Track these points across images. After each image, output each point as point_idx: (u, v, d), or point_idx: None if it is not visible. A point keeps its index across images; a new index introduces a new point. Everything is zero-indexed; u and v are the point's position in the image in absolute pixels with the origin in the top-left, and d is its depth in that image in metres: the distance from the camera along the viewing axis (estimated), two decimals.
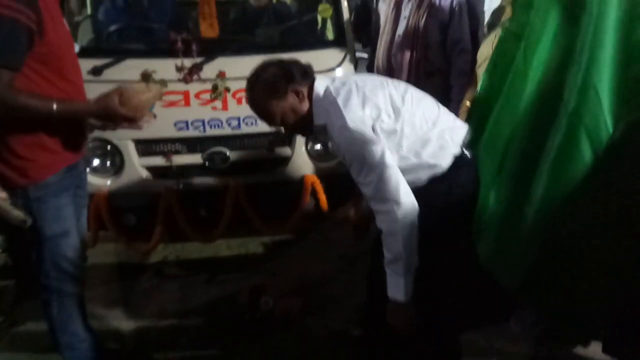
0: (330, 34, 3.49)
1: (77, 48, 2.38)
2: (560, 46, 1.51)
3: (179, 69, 2.82)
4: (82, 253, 2.20)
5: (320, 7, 3.26)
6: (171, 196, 2.86)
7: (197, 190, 2.97)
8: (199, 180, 2.99)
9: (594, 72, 1.34)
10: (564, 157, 1.41)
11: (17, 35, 1.74)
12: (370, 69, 3.70)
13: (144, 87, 2.05)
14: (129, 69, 2.78)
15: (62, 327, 2.20)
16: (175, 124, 2.87)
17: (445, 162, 1.96)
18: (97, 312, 2.81)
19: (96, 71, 2.77)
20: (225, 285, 3.23)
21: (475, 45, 3.13)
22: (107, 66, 2.80)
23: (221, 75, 2.85)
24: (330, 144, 2.12)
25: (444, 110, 2.13)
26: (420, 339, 2.11)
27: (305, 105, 1.99)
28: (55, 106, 1.82)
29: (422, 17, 3.19)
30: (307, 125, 2.03)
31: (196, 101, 2.87)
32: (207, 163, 2.96)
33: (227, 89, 2.87)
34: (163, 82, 2.74)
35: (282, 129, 2.12)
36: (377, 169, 1.84)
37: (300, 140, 3.01)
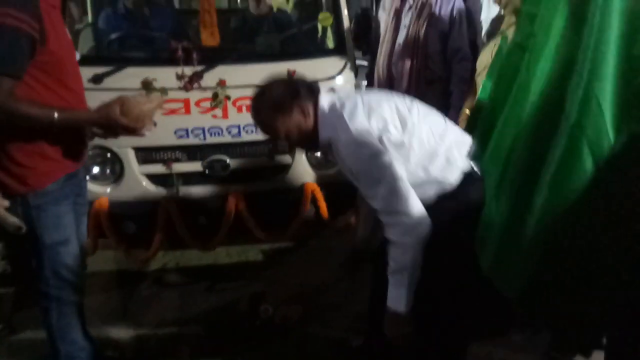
0: (330, 43, 3.50)
1: (77, 56, 2.38)
2: (562, 57, 1.51)
3: (180, 77, 2.83)
4: (82, 261, 2.20)
5: (321, 16, 3.27)
6: (171, 204, 2.86)
7: (197, 198, 2.97)
8: (199, 188, 2.99)
9: (596, 83, 1.34)
10: (566, 168, 1.41)
11: (19, 43, 1.75)
12: (370, 76, 3.71)
13: (145, 98, 2.06)
14: (130, 77, 2.79)
15: (61, 335, 2.20)
16: (175, 132, 2.87)
17: (453, 177, 1.95)
18: (96, 320, 2.80)
19: (97, 79, 2.77)
20: (225, 293, 3.23)
21: (474, 54, 3.15)
22: (107, 74, 2.80)
23: (221, 83, 2.86)
24: (331, 157, 2.10)
25: (450, 124, 2.12)
26: (422, 351, 2.10)
27: (310, 121, 1.98)
28: (56, 115, 1.83)
29: (423, 26, 3.20)
30: (312, 141, 2.02)
31: (196, 109, 2.87)
32: (207, 171, 2.97)
33: (228, 97, 2.87)
34: (163, 90, 2.76)
35: (287, 144, 2.11)
36: (386, 180, 1.84)
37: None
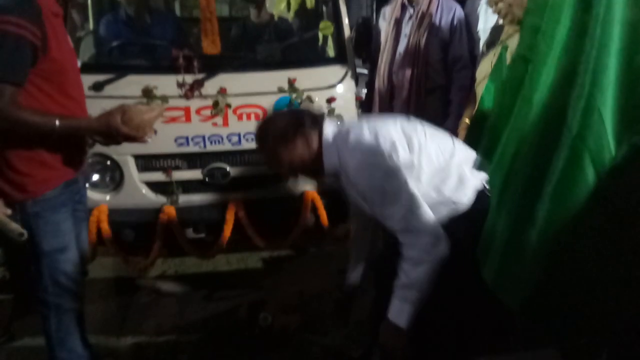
0: (331, 51, 3.51)
1: (78, 63, 2.39)
2: (564, 69, 1.51)
3: (181, 85, 2.84)
4: (81, 268, 2.20)
5: (322, 25, 3.27)
6: (170, 212, 2.86)
7: (197, 206, 2.97)
8: (199, 196, 2.99)
9: (598, 95, 1.34)
10: (568, 179, 1.40)
11: (22, 51, 1.76)
12: (370, 85, 3.72)
13: (147, 107, 2.06)
14: (131, 85, 2.80)
15: (60, 343, 2.19)
16: (175, 140, 2.87)
17: (467, 197, 1.93)
18: (95, 328, 2.78)
19: (97, 87, 2.78)
20: (224, 301, 3.21)
21: (473, 64, 3.17)
22: (108, 82, 2.81)
23: (222, 91, 2.87)
24: (337, 186, 2.08)
25: (458, 142, 2.11)
26: None
27: (314, 152, 1.94)
28: (57, 122, 1.83)
29: (423, 36, 3.22)
30: (317, 170, 1.99)
31: (197, 117, 2.88)
32: (207, 179, 2.97)
33: (228, 105, 2.88)
34: (164, 99, 2.77)
35: (292, 175, 2.09)
36: (402, 199, 1.81)
37: None
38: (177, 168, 2.95)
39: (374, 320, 2.31)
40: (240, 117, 2.90)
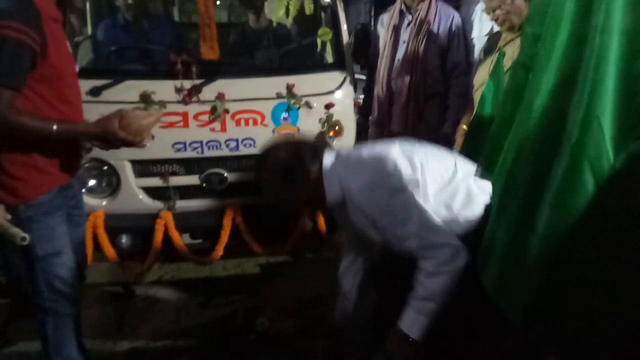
0: (329, 57, 3.51)
1: (76, 68, 2.39)
2: (564, 77, 1.51)
3: (179, 90, 2.83)
4: (78, 273, 2.19)
5: (320, 31, 3.28)
6: (168, 217, 2.85)
7: (194, 212, 2.96)
8: (196, 202, 2.99)
9: (597, 103, 1.34)
10: (567, 187, 1.40)
11: (21, 56, 1.75)
12: (368, 90, 3.74)
13: (145, 112, 2.05)
14: (128, 90, 2.79)
15: (56, 348, 2.17)
16: (173, 145, 2.87)
17: (477, 212, 1.92)
18: (91, 333, 2.76)
19: (95, 92, 2.76)
20: (221, 307, 3.21)
21: (469, 70, 3.19)
22: (106, 87, 2.79)
23: (220, 97, 2.86)
24: (341, 219, 2.05)
25: (459, 157, 2.10)
26: None
27: (315, 184, 1.89)
28: (55, 127, 1.82)
29: (422, 42, 3.24)
30: (319, 202, 1.95)
31: (195, 122, 2.87)
32: (204, 184, 2.96)
33: (226, 111, 2.87)
34: (162, 104, 2.76)
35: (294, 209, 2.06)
36: (414, 216, 1.79)
37: None
38: (175, 173, 2.94)
39: (376, 322, 2.30)
40: (238, 123, 2.89)
